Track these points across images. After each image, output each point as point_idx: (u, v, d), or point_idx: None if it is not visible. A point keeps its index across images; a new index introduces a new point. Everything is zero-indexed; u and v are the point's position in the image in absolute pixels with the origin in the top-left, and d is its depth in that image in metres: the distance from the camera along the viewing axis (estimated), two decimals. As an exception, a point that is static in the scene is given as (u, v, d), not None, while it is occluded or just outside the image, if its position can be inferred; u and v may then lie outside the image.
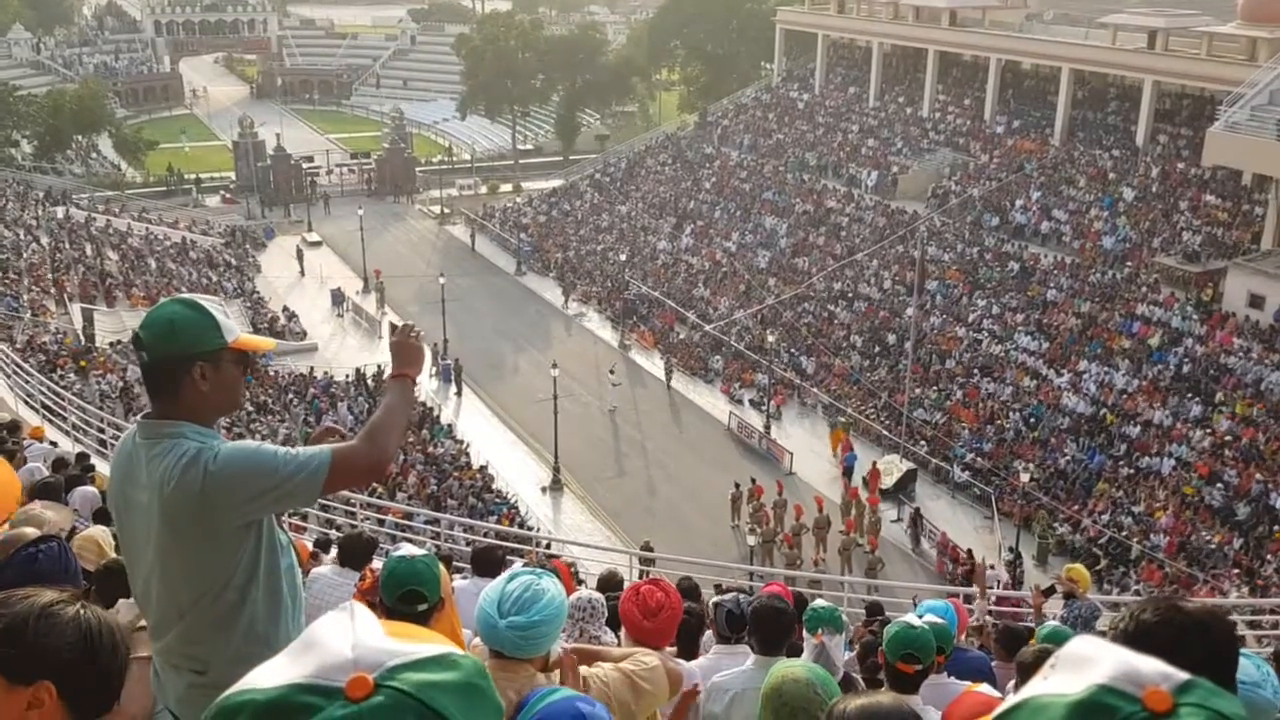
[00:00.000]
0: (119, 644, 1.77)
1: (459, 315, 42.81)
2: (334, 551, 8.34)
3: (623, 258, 50.04)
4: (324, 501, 14.67)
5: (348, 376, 36.91)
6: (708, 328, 41.97)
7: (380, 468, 2.90)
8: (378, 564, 5.45)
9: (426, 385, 37.43)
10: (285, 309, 45.66)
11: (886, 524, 28.47)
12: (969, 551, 25.97)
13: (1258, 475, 27.22)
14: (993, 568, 24.55)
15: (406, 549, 3.56)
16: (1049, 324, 35.77)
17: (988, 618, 9.73)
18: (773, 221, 49.31)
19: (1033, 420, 32.05)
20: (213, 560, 2.77)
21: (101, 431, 18.61)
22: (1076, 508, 28.44)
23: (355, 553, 6.30)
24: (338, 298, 47.63)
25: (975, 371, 35.03)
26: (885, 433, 33.39)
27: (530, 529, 26.21)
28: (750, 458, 33.41)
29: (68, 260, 45.78)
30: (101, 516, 6.98)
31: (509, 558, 10.44)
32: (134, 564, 2.93)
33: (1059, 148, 44.94)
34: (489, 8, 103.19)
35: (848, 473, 31.20)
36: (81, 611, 1.75)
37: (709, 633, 5.36)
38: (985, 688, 4.22)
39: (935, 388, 34.93)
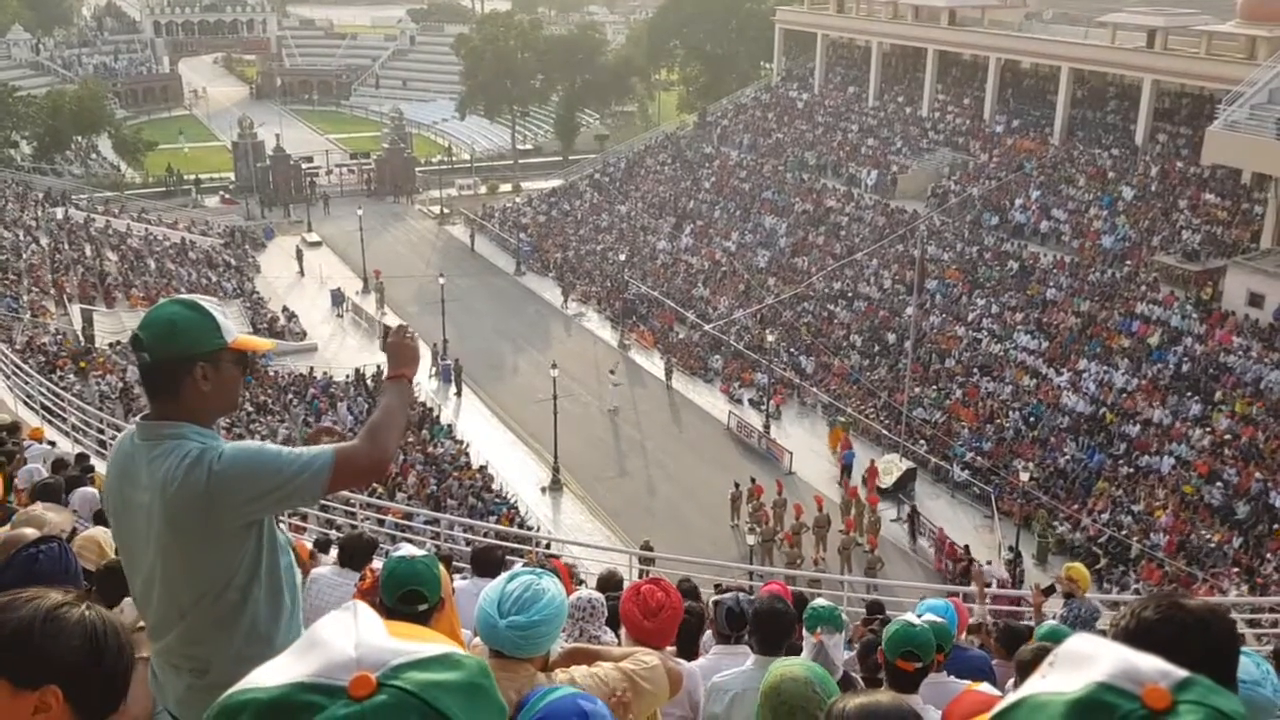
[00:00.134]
0: (124, 645, 1.75)
1: (458, 315, 42.79)
2: (334, 552, 8.34)
3: (622, 258, 50.02)
4: (324, 502, 14.64)
5: (347, 377, 36.90)
6: (707, 327, 41.94)
7: (381, 467, 2.91)
8: (378, 564, 5.45)
9: (426, 385, 37.43)
10: (285, 309, 45.63)
11: (886, 523, 28.49)
12: (966, 548, 26.01)
13: (1257, 474, 27.22)
14: (989, 564, 24.62)
15: (406, 549, 3.56)
16: (1048, 323, 35.77)
17: (988, 617, 9.73)
18: (772, 221, 49.29)
19: (1032, 419, 32.05)
20: (215, 560, 2.77)
21: (101, 432, 18.60)
22: (1076, 507, 28.44)
23: (355, 553, 6.31)
24: (337, 298, 47.59)
25: (975, 371, 35.03)
26: (885, 432, 33.38)
27: (530, 529, 26.18)
28: (750, 457, 33.40)
29: (67, 261, 45.72)
30: (102, 517, 6.97)
31: (509, 558, 10.45)
32: (132, 565, 2.92)
33: (1058, 147, 44.94)
34: (488, 8, 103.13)
35: (846, 470, 31.25)
36: (87, 613, 1.73)
37: (709, 632, 5.37)
38: (985, 686, 4.22)
39: (935, 387, 34.93)
